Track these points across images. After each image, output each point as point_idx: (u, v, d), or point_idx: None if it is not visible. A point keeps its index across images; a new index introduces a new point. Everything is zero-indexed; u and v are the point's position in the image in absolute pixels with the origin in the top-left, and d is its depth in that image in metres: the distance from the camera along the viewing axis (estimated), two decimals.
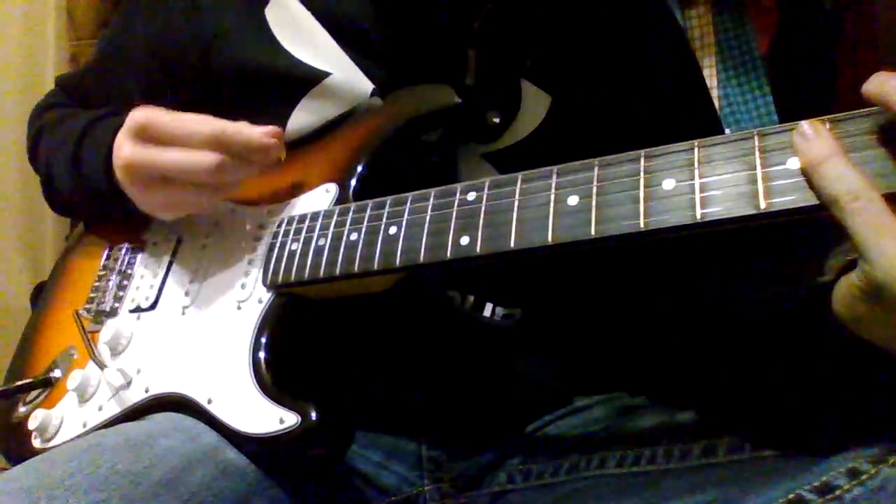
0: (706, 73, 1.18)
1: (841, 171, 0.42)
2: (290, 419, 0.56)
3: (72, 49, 1.28)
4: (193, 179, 0.64)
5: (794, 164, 0.43)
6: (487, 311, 0.71)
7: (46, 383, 0.74)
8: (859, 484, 0.48)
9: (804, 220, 0.44)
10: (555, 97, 0.69)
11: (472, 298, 0.71)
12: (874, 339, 0.45)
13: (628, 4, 0.74)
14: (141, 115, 0.65)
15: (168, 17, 0.77)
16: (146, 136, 0.64)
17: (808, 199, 0.43)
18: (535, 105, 0.69)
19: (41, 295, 0.87)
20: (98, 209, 0.77)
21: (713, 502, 0.56)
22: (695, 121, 0.70)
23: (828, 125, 0.44)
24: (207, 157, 0.62)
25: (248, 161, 0.64)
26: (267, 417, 0.57)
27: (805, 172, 0.43)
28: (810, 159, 0.43)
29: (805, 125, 0.43)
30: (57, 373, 0.74)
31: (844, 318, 0.46)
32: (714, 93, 1.18)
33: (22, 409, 0.74)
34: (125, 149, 0.65)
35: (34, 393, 0.75)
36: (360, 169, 0.66)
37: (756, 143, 0.45)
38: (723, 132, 0.48)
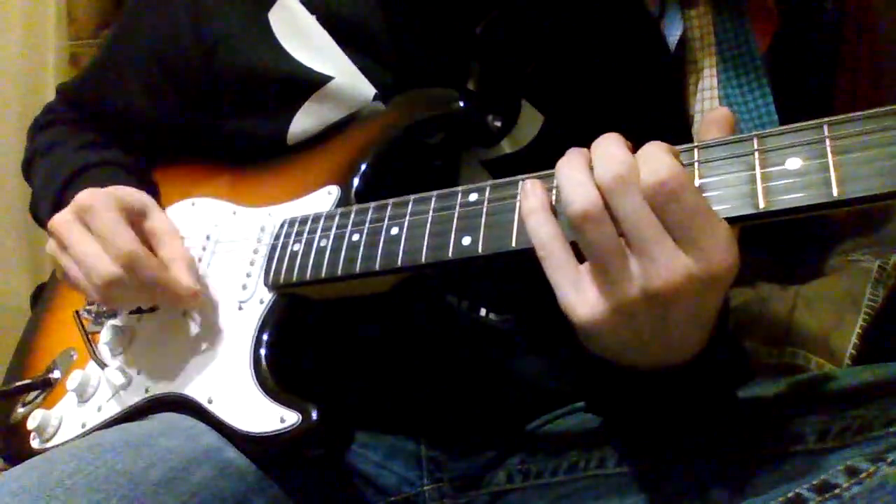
0: (706, 73, 1.18)
1: (539, 224, 0.48)
2: (291, 418, 0.56)
3: (72, 49, 1.28)
4: (87, 277, 0.63)
5: (792, 164, 0.44)
6: (482, 314, 0.71)
7: (45, 384, 0.73)
8: (858, 482, 0.48)
9: (803, 219, 0.44)
10: (547, 116, 0.70)
11: (466, 303, 0.71)
12: (611, 357, 0.51)
13: (621, 25, 0.75)
14: (86, 197, 0.65)
15: (171, 21, 0.77)
16: (83, 217, 0.64)
17: (807, 199, 0.43)
18: (530, 121, 0.70)
19: (41, 296, 0.87)
20: None
21: (713, 502, 0.56)
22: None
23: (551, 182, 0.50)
24: (106, 268, 0.62)
25: (149, 292, 0.64)
26: (268, 416, 0.58)
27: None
28: (522, 211, 0.50)
29: (528, 183, 0.51)
30: (56, 374, 0.74)
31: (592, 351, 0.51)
32: (714, 93, 1.18)
33: (21, 410, 0.74)
34: (59, 214, 0.66)
35: (33, 394, 0.74)
36: (362, 172, 0.66)
37: (755, 146, 0.45)
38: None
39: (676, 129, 0.76)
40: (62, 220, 0.65)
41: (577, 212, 0.45)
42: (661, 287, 0.44)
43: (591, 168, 0.47)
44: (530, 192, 0.50)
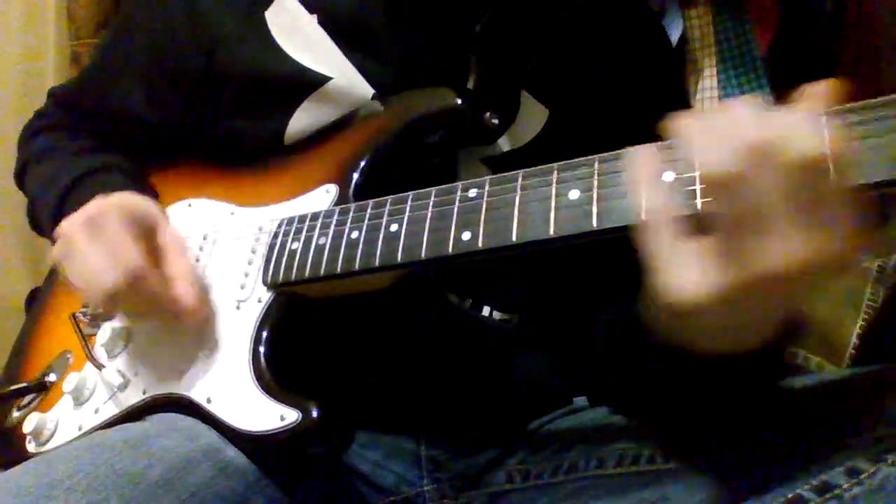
0: (706, 73, 1.18)
1: (652, 195, 0.45)
2: (291, 416, 0.56)
3: (72, 49, 1.27)
4: (92, 285, 0.63)
5: None
6: (485, 314, 0.71)
7: (41, 388, 0.73)
8: (858, 483, 0.48)
9: None
10: (552, 111, 0.70)
11: (469, 302, 0.71)
12: (689, 345, 0.49)
13: (623, 21, 0.75)
14: (96, 208, 0.65)
15: (169, 22, 0.77)
16: (92, 227, 0.64)
17: None
18: (533, 116, 0.70)
19: (36, 300, 0.86)
20: None
21: (713, 502, 0.56)
22: None
23: (656, 148, 0.47)
24: (111, 280, 0.61)
25: (150, 305, 0.64)
26: (267, 415, 0.57)
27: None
28: (633, 181, 0.47)
29: (640, 150, 0.47)
30: (52, 377, 0.74)
31: (660, 334, 0.51)
32: (714, 93, 1.18)
33: (16, 414, 0.74)
34: (68, 221, 0.66)
35: (28, 397, 0.74)
36: (360, 170, 0.66)
37: None
38: None
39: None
40: (71, 227, 0.65)
41: (718, 173, 0.41)
42: (791, 266, 0.41)
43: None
44: (643, 161, 0.46)
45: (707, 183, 0.43)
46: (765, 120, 0.42)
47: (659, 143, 0.47)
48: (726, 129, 0.42)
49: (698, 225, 0.44)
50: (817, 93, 0.44)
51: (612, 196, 0.48)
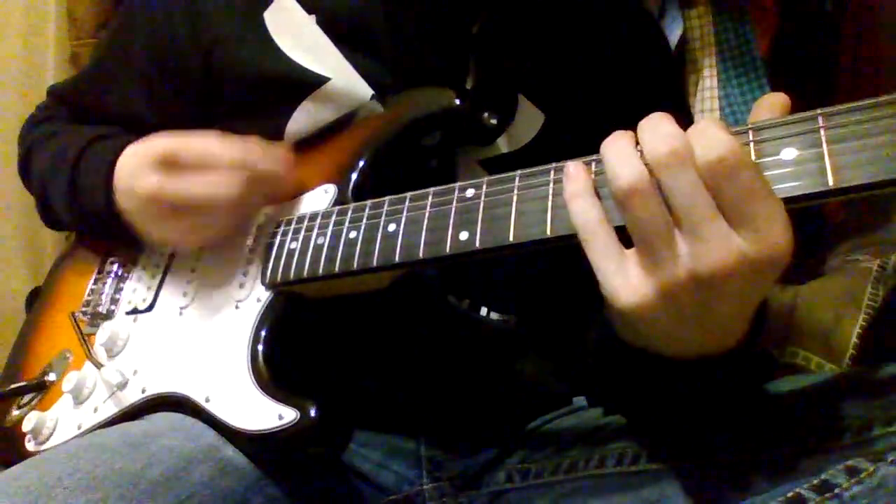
0: (706, 73, 1.18)
1: (583, 207, 0.47)
2: (289, 415, 0.56)
3: (72, 49, 1.28)
4: (222, 204, 0.63)
5: (787, 154, 0.44)
6: (483, 314, 0.71)
7: (41, 387, 0.73)
8: (858, 482, 0.48)
9: (799, 212, 0.44)
10: (549, 116, 0.70)
11: (467, 302, 0.71)
12: (654, 348, 0.51)
13: (620, 24, 0.75)
14: (163, 142, 0.64)
15: (169, 23, 0.77)
16: (170, 163, 0.63)
17: (803, 189, 0.43)
18: (529, 120, 0.70)
19: (37, 299, 0.86)
20: (96, 229, 0.77)
21: (713, 501, 0.56)
22: None
23: (593, 166, 0.49)
24: (235, 179, 0.62)
25: (265, 180, 0.65)
26: (265, 414, 0.57)
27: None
28: (565, 194, 0.48)
29: (570, 165, 0.49)
30: (52, 376, 0.74)
31: (627, 340, 0.53)
32: (714, 93, 1.19)
33: (16, 413, 0.74)
34: (150, 179, 0.64)
35: (28, 396, 0.74)
36: (359, 170, 0.66)
37: (750, 137, 0.45)
38: None
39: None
40: (157, 181, 0.63)
41: (624, 186, 0.44)
42: (712, 269, 0.43)
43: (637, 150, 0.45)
44: (573, 175, 0.48)
45: (616, 196, 0.45)
46: (671, 131, 0.44)
47: (591, 157, 0.49)
48: (632, 143, 0.45)
49: (627, 234, 0.46)
50: (766, 104, 0.46)
51: (609, 196, 0.48)
